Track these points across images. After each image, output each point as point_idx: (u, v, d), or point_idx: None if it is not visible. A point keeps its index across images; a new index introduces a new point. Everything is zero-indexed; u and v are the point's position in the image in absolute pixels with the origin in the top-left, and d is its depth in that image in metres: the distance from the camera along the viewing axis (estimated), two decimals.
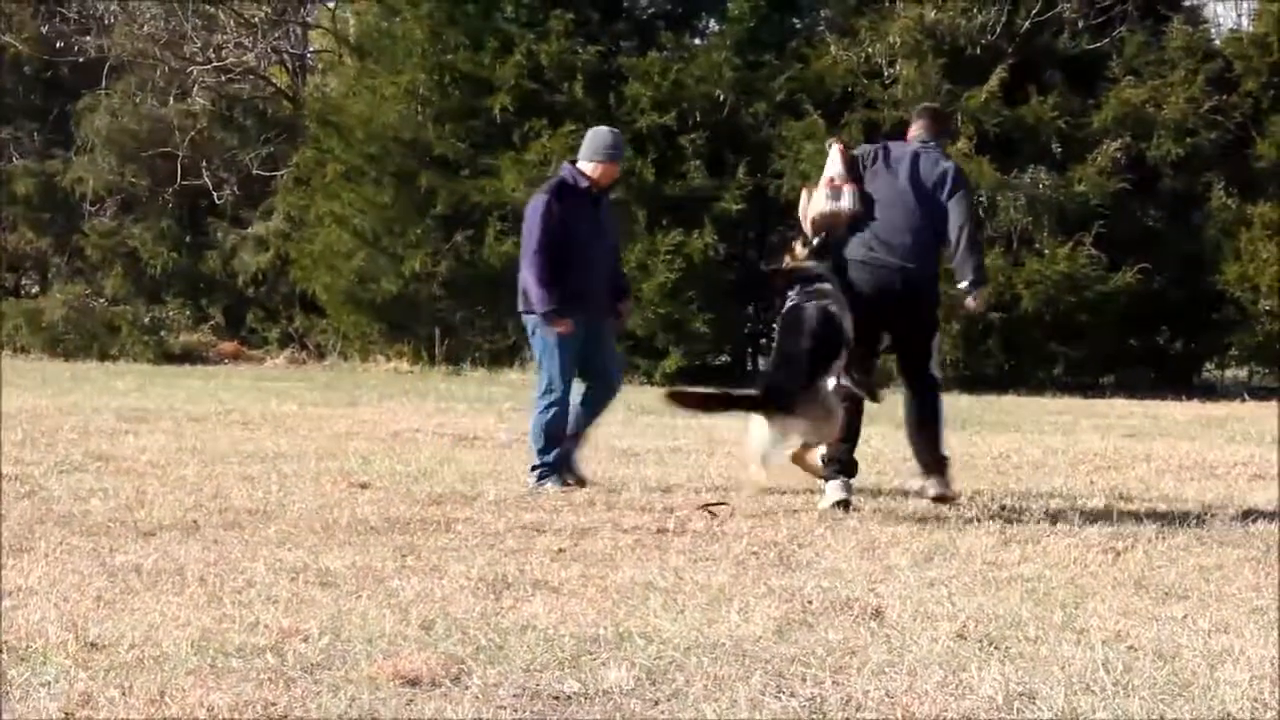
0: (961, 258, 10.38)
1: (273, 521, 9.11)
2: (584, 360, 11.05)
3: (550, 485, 10.84)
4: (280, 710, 5.23)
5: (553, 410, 10.98)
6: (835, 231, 10.39)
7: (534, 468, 11.03)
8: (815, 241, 10.39)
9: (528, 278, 10.86)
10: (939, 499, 10.12)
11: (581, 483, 10.96)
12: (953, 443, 12.93)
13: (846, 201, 10.36)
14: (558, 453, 11.01)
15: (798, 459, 10.31)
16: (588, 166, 11.03)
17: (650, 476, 11.59)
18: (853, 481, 10.26)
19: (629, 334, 26.58)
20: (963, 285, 10.48)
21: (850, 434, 10.24)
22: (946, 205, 10.36)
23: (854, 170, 10.44)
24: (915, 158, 10.51)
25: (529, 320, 11.10)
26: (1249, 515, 9.96)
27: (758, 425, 9.90)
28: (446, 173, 28.20)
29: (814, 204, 10.45)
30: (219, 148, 35.06)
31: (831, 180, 10.44)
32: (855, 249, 10.32)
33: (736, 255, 28.58)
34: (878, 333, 10.40)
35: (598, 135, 11.20)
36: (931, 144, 10.66)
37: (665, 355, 26.51)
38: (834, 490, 10.14)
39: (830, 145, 10.77)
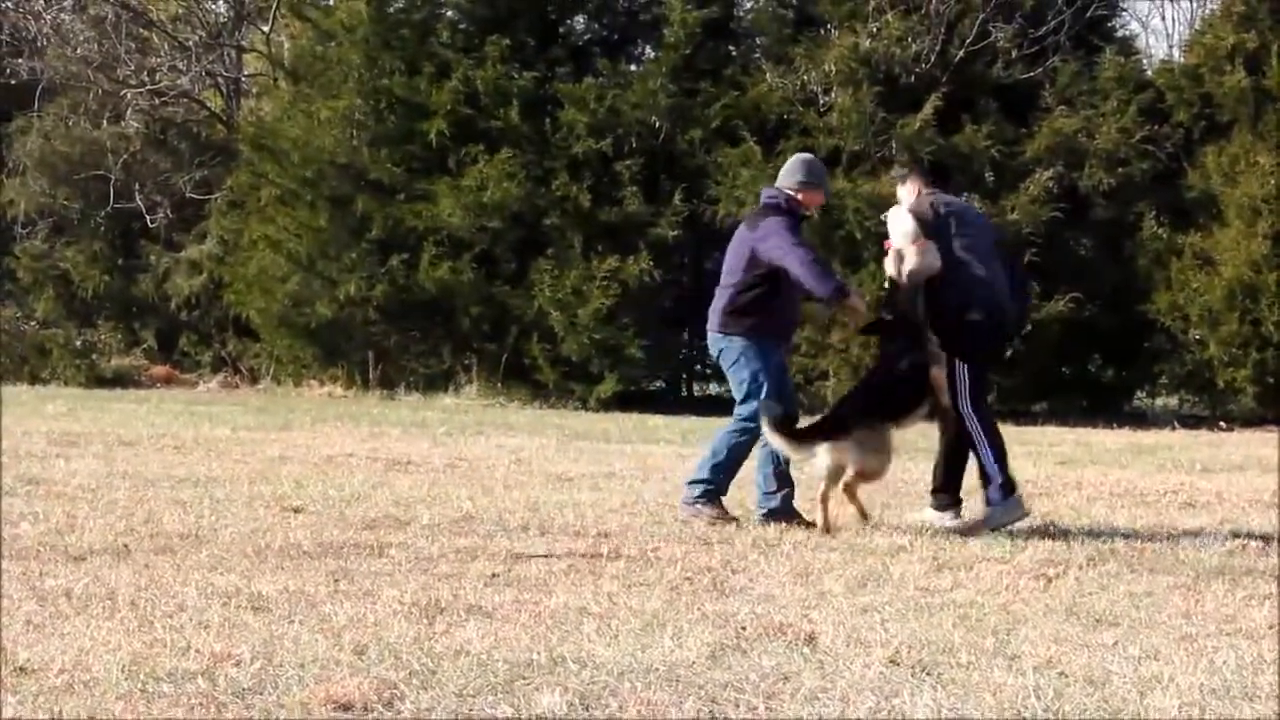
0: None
1: (205, 546, 9.07)
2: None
3: (705, 509, 10.66)
4: None
5: (747, 434, 10.74)
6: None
7: (696, 482, 10.80)
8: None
9: (812, 280, 10.70)
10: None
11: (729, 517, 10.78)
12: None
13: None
14: (724, 480, 10.83)
15: (848, 491, 10.61)
16: (802, 193, 10.94)
17: (584, 501, 11.58)
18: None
19: (565, 359, 26.62)
20: None
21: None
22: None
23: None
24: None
25: (735, 342, 10.87)
26: (1179, 542, 10.03)
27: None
28: (382, 197, 28.13)
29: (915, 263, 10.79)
30: (152, 171, 34.86)
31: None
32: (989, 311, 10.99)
33: (672, 281, 28.61)
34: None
35: (812, 162, 11.18)
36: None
37: (601, 380, 26.51)
38: (936, 518, 10.80)
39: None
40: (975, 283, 10.89)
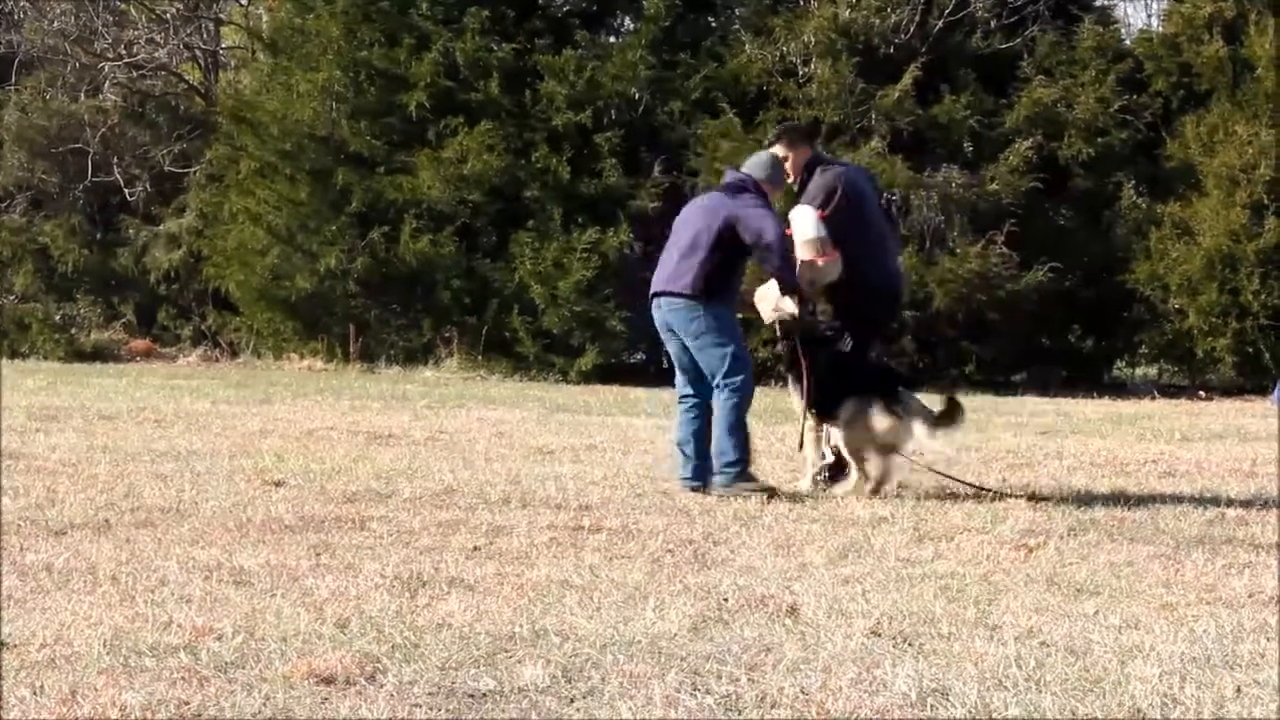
0: None
1: (186, 520, 9.07)
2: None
3: (747, 486, 10.54)
4: (194, 709, 5.21)
5: (741, 400, 10.64)
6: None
7: (731, 463, 10.61)
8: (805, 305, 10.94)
9: (788, 269, 10.70)
10: None
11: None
12: None
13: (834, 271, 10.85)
14: (748, 451, 10.71)
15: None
16: (767, 186, 10.94)
17: (566, 474, 11.58)
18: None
19: (545, 332, 26.60)
20: None
21: None
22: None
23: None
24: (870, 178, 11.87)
25: (712, 310, 10.67)
26: (1159, 512, 10.05)
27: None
28: (362, 170, 28.09)
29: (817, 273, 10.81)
30: (130, 144, 34.78)
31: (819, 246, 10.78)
32: (887, 279, 11.24)
33: (652, 253, 28.61)
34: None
35: (780, 162, 11.11)
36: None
37: (581, 353, 26.51)
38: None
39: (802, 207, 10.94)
40: (880, 257, 11.06)
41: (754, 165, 11.05)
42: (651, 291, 11.05)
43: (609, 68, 27.36)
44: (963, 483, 10.99)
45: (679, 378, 10.93)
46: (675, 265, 10.86)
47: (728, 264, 10.75)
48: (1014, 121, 26.30)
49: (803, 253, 10.76)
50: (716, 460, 10.65)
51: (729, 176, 11.13)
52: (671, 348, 10.94)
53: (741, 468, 10.63)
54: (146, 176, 34.45)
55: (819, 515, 9.72)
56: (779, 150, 11.19)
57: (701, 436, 10.77)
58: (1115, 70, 26.51)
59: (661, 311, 10.94)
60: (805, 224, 10.80)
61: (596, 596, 7.07)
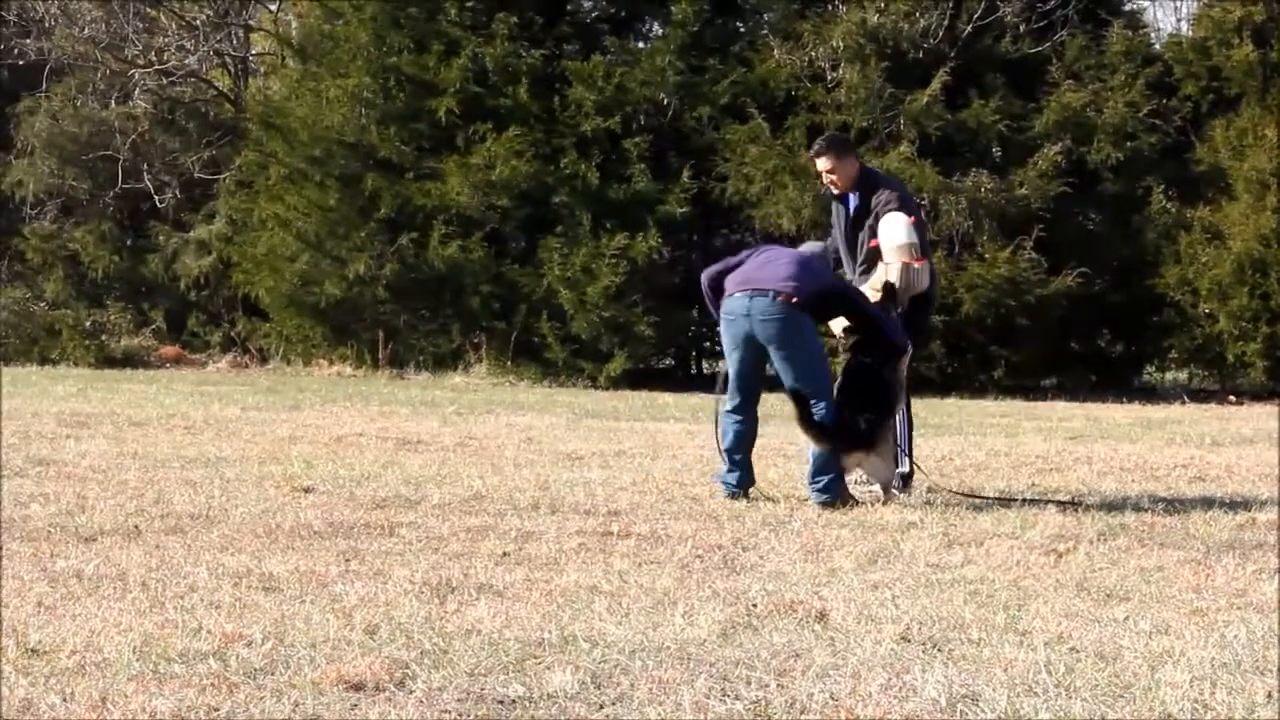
0: None
1: (215, 526, 9.08)
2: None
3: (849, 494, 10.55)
4: (224, 715, 5.22)
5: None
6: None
7: (835, 479, 10.46)
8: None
9: (899, 337, 10.75)
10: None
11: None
12: None
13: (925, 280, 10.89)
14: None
15: None
16: None
17: (594, 480, 11.59)
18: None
19: (574, 337, 26.61)
20: None
21: None
22: None
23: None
24: None
25: (806, 321, 10.53)
26: (1189, 517, 10.02)
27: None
28: (390, 175, 28.13)
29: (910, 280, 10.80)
30: (160, 151, 34.88)
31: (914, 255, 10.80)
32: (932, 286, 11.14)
33: (680, 258, 28.66)
34: None
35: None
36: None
37: (610, 358, 26.51)
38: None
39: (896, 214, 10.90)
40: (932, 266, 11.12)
41: (816, 251, 11.14)
42: (737, 289, 10.60)
43: (637, 73, 27.37)
44: (973, 496, 11.02)
45: (734, 385, 10.72)
46: (772, 270, 10.58)
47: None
48: (1043, 126, 26.25)
49: (899, 257, 10.69)
50: (819, 478, 10.47)
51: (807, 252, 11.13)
52: (738, 350, 10.60)
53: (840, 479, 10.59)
54: (176, 183, 34.56)
55: (848, 521, 9.71)
56: (825, 162, 11.13)
57: (749, 445, 10.76)
58: (1144, 74, 26.46)
59: (749, 316, 10.52)
60: (898, 231, 10.74)
61: (625, 602, 7.07)
